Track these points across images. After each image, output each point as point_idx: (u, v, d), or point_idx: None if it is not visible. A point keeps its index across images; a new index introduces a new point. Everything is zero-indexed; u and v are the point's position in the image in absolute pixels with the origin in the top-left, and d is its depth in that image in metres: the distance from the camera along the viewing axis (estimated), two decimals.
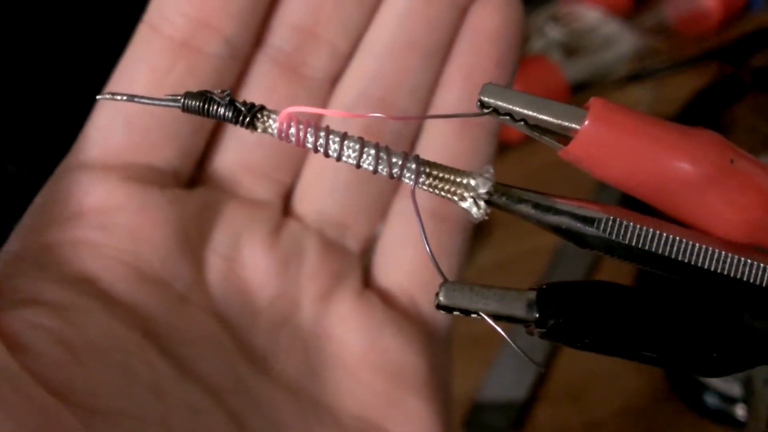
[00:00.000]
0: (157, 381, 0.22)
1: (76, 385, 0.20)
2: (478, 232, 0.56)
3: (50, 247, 0.22)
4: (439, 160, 0.17)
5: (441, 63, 0.27)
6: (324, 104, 0.27)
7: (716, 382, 0.44)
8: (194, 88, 0.24)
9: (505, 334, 0.16)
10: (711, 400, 0.44)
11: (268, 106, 0.25)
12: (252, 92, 0.26)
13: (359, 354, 0.26)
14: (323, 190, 0.27)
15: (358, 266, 0.27)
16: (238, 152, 0.26)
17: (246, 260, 0.25)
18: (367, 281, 0.28)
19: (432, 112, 0.27)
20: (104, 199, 0.23)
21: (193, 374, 0.23)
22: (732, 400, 0.44)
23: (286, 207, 0.27)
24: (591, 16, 0.64)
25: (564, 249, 0.54)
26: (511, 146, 0.60)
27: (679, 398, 0.46)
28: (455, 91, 0.27)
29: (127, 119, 0.24)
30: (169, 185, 0.25)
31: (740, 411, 0.44)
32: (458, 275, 0.28)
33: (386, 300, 0.27)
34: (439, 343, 0.28)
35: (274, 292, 0.25)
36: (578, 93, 0.61)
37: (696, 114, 0.59)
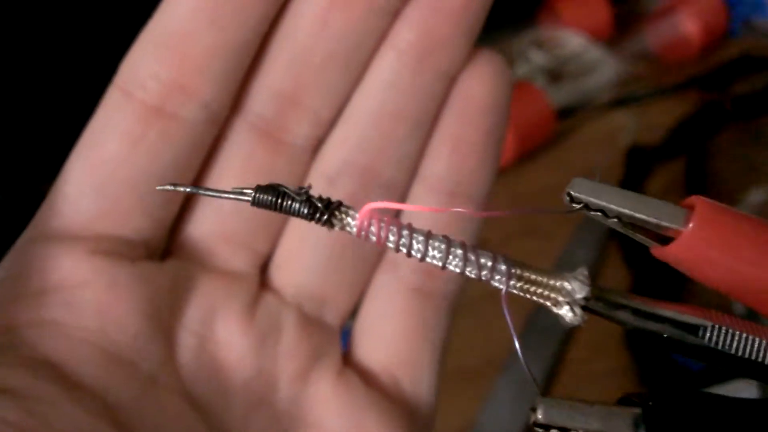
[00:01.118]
0: None
1: None
2: None
3: (11, 328, 0.21)
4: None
5: (428, 132, 0.26)
6: (305, 172, 0.26)
7: None
8: (169, 155, 0.23)
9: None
10: None
11: (247, 172, 0.24)
12: (230, 158, 0.25)
13: None
14: (302, 262, 0.26)
15: (337, 343, 0.26)
16: (212, 220, 0.25)
17: (220, 338, 0.24)
18: (346, 358, 0.26)
19: (419, 182, 0.26)
20: (70, 274, 0.22)
21: None
22: None
23: (262, 279, 0.26)
24: (574, 41, 0.64)
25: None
26: (498, 172, 0.59)
27: None
28: (443, 161, 0.26)
29: (97, 185, 0.23)
30: (140, 258, 0.23)
31: None
32: (442, 353, 0.27)
33: (367, 379, 0.26)
34: (423, 425, 0.26)
35: (249, 371, 0.24)
36: (563, 119, 0.61)
37: (680, 142, 0.60)
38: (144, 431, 0.21)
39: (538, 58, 0.63)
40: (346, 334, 0.27)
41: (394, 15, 0.25)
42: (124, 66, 0.24)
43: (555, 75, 0.63)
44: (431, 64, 0.25)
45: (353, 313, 0.27)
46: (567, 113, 0.61)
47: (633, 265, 0.53)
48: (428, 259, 0.15)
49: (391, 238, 0.15)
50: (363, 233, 0.15)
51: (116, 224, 0.23)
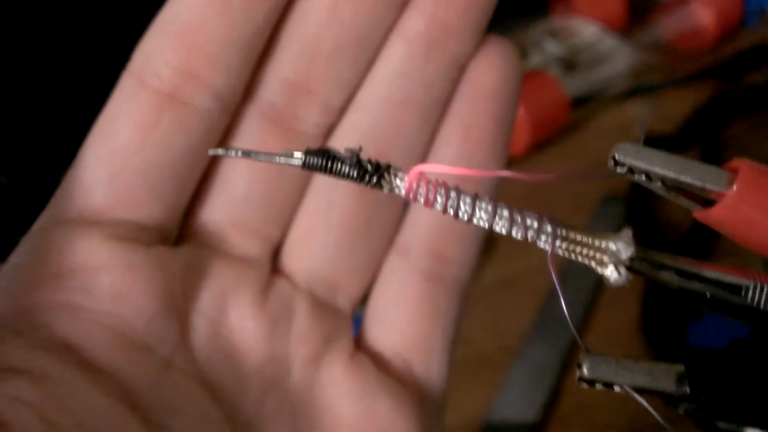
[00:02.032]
0: None
1: None
2: (482, 250, 0.56)
3: (29, 311, 0.21)
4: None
5: (438, 119, 0.26)
6: None
7: None
8: (182, 143, 0.23)
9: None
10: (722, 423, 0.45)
11: (258, 163, 0.24)
12: (241, 144, 0.25)
13: (351, 422, 0.25)
14: (314, 247, 0.26)
15: (349, 328, 0.26)
16: (224, 207, 0.25)
17: (233, 323, 0.24)
18: (358, 343, 0.27)
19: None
20: (86, 258, 0.22)
21: None
22: (743, 424, 0.44)
23: (274, 264, 0.26)
24: (589, 31, 0.64)
25: (571, 266, 0.53)
26: (512, 162, 0.60)
27: (691, 420, 0.46)
28: (452, 148, 0.26)
29: (111, 174, 0.23)
30: (154, 243, 0.24)
31: None
32: (453, 338, 0.27)
33: (379, 364, 0.26)
34: (434, 409, 0.27)
35: (262, 355, 0.24)
36: (578, 108, 0.61)
37: (695, 132, 0.60)
38: (159, 414, 0.21)
39: (552, 47, 0.64)
40: (358, 321, 0.27)
41: (402, 4, 0.25)
42: (138, 54, 0.24)
43: (569, 65, 0.63)
44: (440, 53, 0.25)
45: (364, 298, 0.27)
46: (581, 103, 0.61)
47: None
48: (475, 221, 0.15)
49: (439, 199, 0.15)
50: (412, 195, 0.15)
51: (131, 210, 0.23)
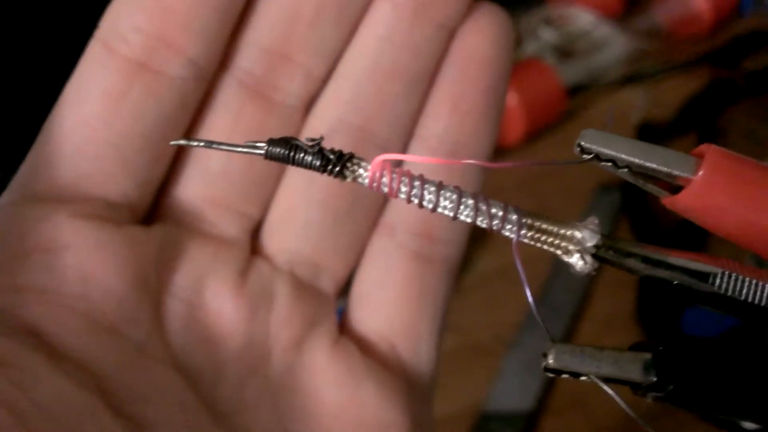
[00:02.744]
0: None
1: None
2: (478, 238, 0.55)
3: None
4: None
5: (425, 90, 0.25)
6: (297, 131, 0.24)
7: None
8: (154, 114, 0.22)
9: (614, 393, 0.15)
10: None
11: (236, 133, 0.23)
12: (218, 118, 0.24)
13: (335, 410, 0.24)
14: (295, 226, 0.25)
15: (333, 310, 0.25)
16: (201, 183, 0.24)
17: (210, 306, 0.23)
18: (342, 326, 0.26)
19: (416, 143, 0.25)
20: (52, 238, 0.21)
21: None
22: None
23: (254, 244, 0.25)
24: (584, 18, 0.64)
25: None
26: (506, 152, 0.59)
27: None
28: (442, 120, 0.25)
29: (78, 147, 0.22)
30: (126, 222, 0.22)
31: (748, 423, 0.44)
32: (442, 320, 0.26)
33: (364, 348, 0.25)
34: (422, 395, 0.26)
35: (241, 340, 0.23)
36: (574, 96, 0.61)
37: (692, 118, 0.59)
38: (132, 402, 0.20)
39: (548, 35, 0.63)
40: (340, 312, 0.26)
41: None
42: (106, 19, 0.22)
43: (565, 52, 0.63)
44: (428, 17, 0.24)
45: (347, 286, 0.26)
46: (577, 91, 0.61)
47: (644, 242, 0.53)
48: (440, 210, 0.15)
49: (403, 188, 0.15)
50: (375, 184, 0.15)
51: (100, 186, 0.22)
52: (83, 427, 0.19)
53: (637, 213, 0.54)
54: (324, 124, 0.24)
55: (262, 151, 0.15)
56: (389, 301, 0.25)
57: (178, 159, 0.24)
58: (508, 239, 0.50)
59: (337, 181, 0.24)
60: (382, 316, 0.25)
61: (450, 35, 0.25)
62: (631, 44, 0.64)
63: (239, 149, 0.15)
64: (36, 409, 0.18)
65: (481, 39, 0.25)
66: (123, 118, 0.22)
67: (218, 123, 0.24)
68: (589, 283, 0.52)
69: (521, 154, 0.60)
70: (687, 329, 0.46)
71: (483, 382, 0.48)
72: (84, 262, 0.21)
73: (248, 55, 0.24)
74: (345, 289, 0.26)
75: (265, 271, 0.24)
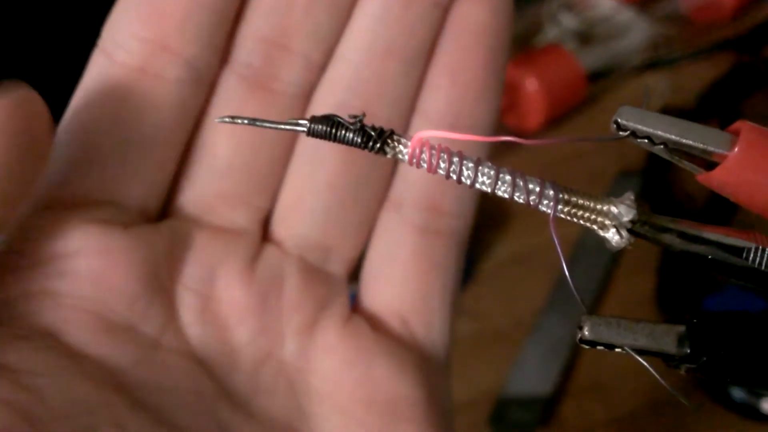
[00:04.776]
0: None
1: None
2: (495, 225, 0.56)
3: (5, 301, 0.21)
4: None
5: (423, 66, 0.25)
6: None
7: None
8: (156, 118, 0.23)
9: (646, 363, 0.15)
10: (737, 393, 0.45)
11: (239, 127, 0.22)
12: (220, 112, 0.24)
13: (349, 388, 0.24)
14: (303, 212, 0.25)
15: (344, 291, 0.25)
16: (209, 179, 0.24)
17: (222, 295, 0.23)
18: (354, 305, 0.26)
19: (417, 118, 0.25)
20: (62, 244, 0.21)
21: (171, 426, 0.21)
22: (758, 394, 0.44)
23: (265, 233, 0.25)
24: (605, 4, 0.64)
25: (584, 241, 0.53)
26: (527, 137, 0.59)
27: (705, 392, 0.46)
28: (442, 94, 0.25)
29: (84, 153, 0.22)
30: (134, 222, 0.23)
31: (766, 405, 0.44)
32: (453, 294, 0.26)
33: (376, 325, 0.25)
34: (437, 369, 0.26)
35: (253, 327, 0.23)
36: (594, 82, 0.61)
37: (714, 104, 0.59)
38: (149, 394, 0.21)
39: (568, 21, 0.63)
40: (352, 298, 0.26)
41: None
42: (106, 28, 0.23)
43: (586, 38, 0.63)
44: None
45: (358, 268, 0.26)
46: (598, 76, 0.61)
47: None
48: (477, 185, 0.16)
49: (442, 165, 0.16)
50: (415, 160, 0.16)
51: (107, 192, 0.23)
52: (98, 423, 0.19)
53: (657, 198, 0.54)
54: (325, 110, 0.25)
55: (304, 129, 0.16)
56: (399, 276, 0.25)
57: (185, 156, 0.24)
58: (523, 226, 0.50)
59: (342, 163, 0.25)
60: (393, 291, 0.25)
61: (444, 11, 0.25)
62: (652, 30, 0.63)
63: (282, 126, 0.16)
64: (49, 411, 0.19)
65: (478, 8, 0.25)
66: (126, 123, 0.23)
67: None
68: (609, 266, 0.52)
69: (541, 139, 0.60)
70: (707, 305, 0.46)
71: (501, 367, 0.48)
72: (94, 265, 0.22)
73: (245, 49, 0.24)
74: (356, 273, 0.27)
75: (274, 258, 0.25)
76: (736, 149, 0.15)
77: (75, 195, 0.22)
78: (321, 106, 0.25)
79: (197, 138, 0.24)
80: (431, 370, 0.25)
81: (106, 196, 0.23)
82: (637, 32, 0.63)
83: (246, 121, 0.16)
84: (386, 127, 0.24)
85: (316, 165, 0.25)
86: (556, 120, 0.59)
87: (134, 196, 0.23)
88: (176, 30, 0.22)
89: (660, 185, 0.54)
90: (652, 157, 0.55)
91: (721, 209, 0.50)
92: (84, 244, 0.22)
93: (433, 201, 0.25)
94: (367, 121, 0.24)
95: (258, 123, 0.16)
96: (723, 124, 0.52)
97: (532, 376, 0.48)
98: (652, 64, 0.62)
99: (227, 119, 0.16)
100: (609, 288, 0.51)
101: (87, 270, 0.21)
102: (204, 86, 0.24)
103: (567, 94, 0.59)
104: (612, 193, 0.57)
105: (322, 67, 0.25)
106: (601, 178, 0.56)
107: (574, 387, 0.47)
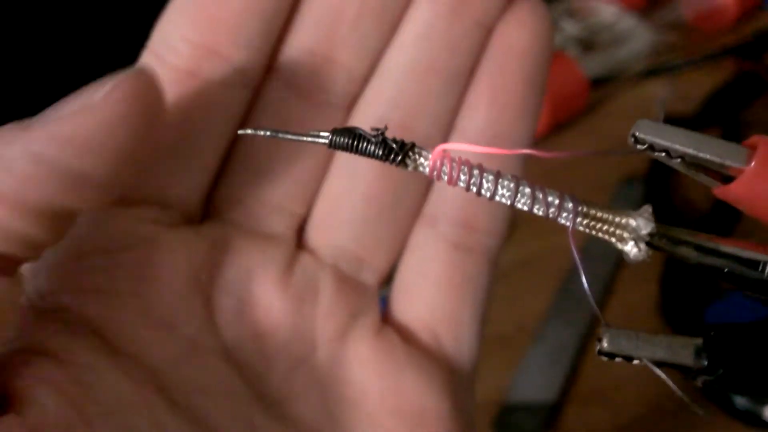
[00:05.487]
0: None
1: None
2: None
3: (53, 293, 0.21)
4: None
5: (464, 85, 0.25)
6: None
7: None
8: (202, 120, 0.23)
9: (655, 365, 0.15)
10: (740, 401, 0.45)
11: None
12: (266, 120, 0.25)
13: (379, 398, 0.24)
14: (338, 222, 0.25)
15: (376, 302, 0.26)
16: (249, 183, 0.25)
17: (258, 300, 0.24)
18: (385, 317, 0.26)
19: (456, 136, 0.26)
20: (109, 240, 0.22)
21: (206, 426, 0.21)
22: (761, 402, 0.44)
23: (299, 239, 0.26)
24: (607, 11, 0.64)
25: (589, 247, 0.53)
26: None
27: (709, 399, 0.46)
28: (481, 114, 0.25)
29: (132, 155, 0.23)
30: (178, 222, 0.23)
31: None
32: (483, 310, 0.26)
33: (406, 337, 0.25)
34: (463, 382, 0.26)
35: (288, 332, 0.24)
36: (597, 88, 0.61)
37: (715, 112, 0.59)
38: (186, 394, 0.21)
39: (571, 27, 0.63)
40: (383, 301, 0.27)
41: None
42: (157, 30, 0.23)
43: (588, 45, 0.63)
44: (466, 14, 0.24)
45: (390, 275, 0.27)
46: (600, 83, 0.61)
47: None
48: (497, 198, 0.16)
49: (462, 177, 0.16)
50: (435, 173, 0.16)
51: (155, 192, 0.23)
52: (140, 423, 0.20)
53: (660, 205, 0.54)
54: (366, 123, 0.25)
55: (326, 141, 0.16)
56: (431, 290, 0.26)
57: (227, 161, 0.25)
58: (527, 233, 0.50)
59: (380, 176, 0.25)
60: (424, 304, 0.26)
61: (488, 31, 0.25)
62: (654, 37, 0.63)
63: (304, 138, 0.16)
64: (97, 407, 0.19)
65: (519, 31, 0.25)
66: (174, 125, 0.23)
67: (265, 125, 0.24)
68: (612, 275, 0.52)
69: (545, 146, 0.60)
70: (711, 321, 0.46)
71: (506, 373, 0.48)
72: (139, 262, 0.22)
73: (292, 58, 0.24)
74: (388, 278, 0.27)
75: (310, 266, 0.25)
76: (753, 163, 0.15)
77: (124, 193, 0.22)
78: (362, 118, 0.25)
79: (240, 143, 0.25)
80: (458, 383, 0.26)
81: (154, 196, 0.23)
82: (639, 39, 0.63)
83: (268, 133, 0.16)
84: (425, 143, 0.25)
85: (354, 176, 0.25)
86: (558, 126, 0.59)
87: (179, 198, 0.24)
88: (228, 35, 0.23)
89: (663, 193, 0.54)
90: (654, 165, 0.55)
91: (724, 217, 0.50)
92: (131, 241, 0.22)
93: (467, 218, 0.26)
94: (407, 135, 0.24)
95: (280, 135, 0.16)
96: (725, 131, 0.52)
97: (536, 382, 0.48)
98: (654, 71, 0.63)
99: (249, 131, 0.16)
100: (612, 295, 0.52)
101: (132, 266, 0.22)
102: (250, 92, 0.24)
103: (569, 100, 0.59)
104: (615, 200, 0.57)
105: (365, 80, 0.25)
106: (603, 185, 0.57)
107: (578, 393, 0.47)
